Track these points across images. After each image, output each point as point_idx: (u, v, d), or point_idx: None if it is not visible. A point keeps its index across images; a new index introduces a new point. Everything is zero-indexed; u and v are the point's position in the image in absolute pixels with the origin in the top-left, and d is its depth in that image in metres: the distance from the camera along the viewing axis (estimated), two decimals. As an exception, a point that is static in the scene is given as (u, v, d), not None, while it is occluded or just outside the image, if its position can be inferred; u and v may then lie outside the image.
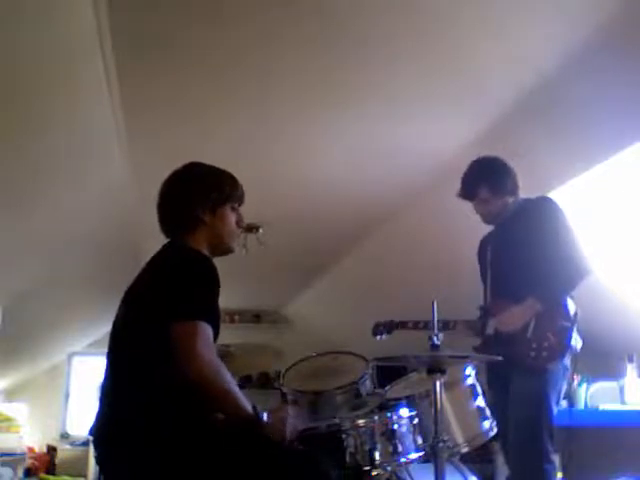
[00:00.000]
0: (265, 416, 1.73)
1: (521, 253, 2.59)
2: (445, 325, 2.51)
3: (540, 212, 2.61)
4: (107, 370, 1.80)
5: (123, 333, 1.80)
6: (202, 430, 1.68)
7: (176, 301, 1.70)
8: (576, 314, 2.49)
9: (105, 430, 1.72)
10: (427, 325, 2.53)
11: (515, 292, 2.53)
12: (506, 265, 2.67)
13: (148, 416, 1.66)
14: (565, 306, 2.48)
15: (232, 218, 1.96)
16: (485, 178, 2.68)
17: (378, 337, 2.83)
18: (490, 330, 2.58)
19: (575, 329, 2.48)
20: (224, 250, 1.97)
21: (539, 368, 2.44)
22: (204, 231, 1.90)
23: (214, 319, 1.74)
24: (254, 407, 1.73)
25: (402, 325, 2.79)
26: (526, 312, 2.49)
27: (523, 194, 2.72)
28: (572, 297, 2.54)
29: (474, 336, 2.67)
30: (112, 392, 1.76)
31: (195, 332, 1.65)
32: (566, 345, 2.44)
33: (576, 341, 2.54)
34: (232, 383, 1.69)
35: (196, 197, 1.91)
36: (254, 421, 1.70)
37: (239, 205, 2.00)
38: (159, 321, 1.67)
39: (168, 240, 1.92)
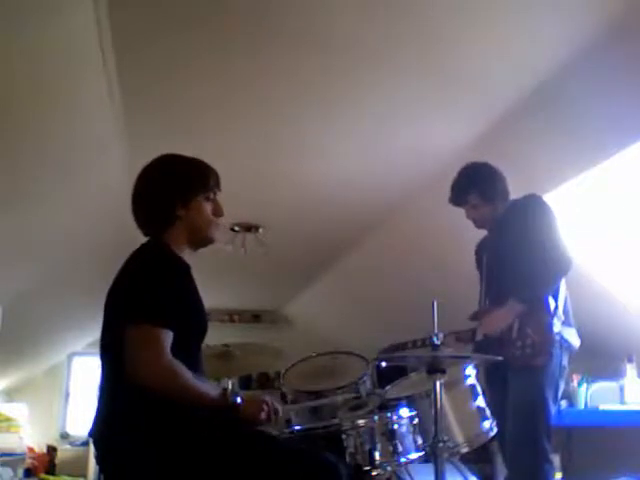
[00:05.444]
0: (239, 399, 1.72)
1: (509, 256, 2.61)
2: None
3: (523, 211, 2.63)
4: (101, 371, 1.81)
5: (104, 334, 1.80)
6: (191, 426, 1.68)
7: (127, 305, 1.69)
8: (556, 308, 2.49)
9: (101, 430, 1.73)
10: (424, 342, 2.55)
11: (506, 296, 2.54)
12: (497, 269, 2.69)
13: (139, 416, 1.66)
14: (546, 301, 2.48)
15: (207, 208, 1.90)
16: (474, 184, 2.70)
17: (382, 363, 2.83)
18: (479, 337, 2.59)
19: (556, 321, 2.47)
20: (204, 241, 1.93)
21: (527, 365, 2.45)
22: (180, 225, 1.86)
23: (177, 318, 1.69)
24: (224, 390, 1.73)
25: (402, 347, 2.79)
26: (507, 314, 2.51)
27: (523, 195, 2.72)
28: (555, 297, 2.53)
29: (465, 345, 2.67)
30: (104, 392, 1.76)
31: (140, 337, 1.63)
32: (549, 338, 2.44)
33: (573, 338, 2.55)
34: (187, 377, 1.65)
35: (165, 193, 1.86)
36: (222, 405, 1.69)
37: (214, 194, 1.93)
38: (123, 324, 1.66)
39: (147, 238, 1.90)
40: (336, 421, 2.29)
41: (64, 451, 7.26)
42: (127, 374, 1.61)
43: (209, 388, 1.73)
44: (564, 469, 3.69)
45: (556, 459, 3.19)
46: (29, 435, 6.90)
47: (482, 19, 2.32)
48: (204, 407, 1.68)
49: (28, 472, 6.63)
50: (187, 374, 1.67)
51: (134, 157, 3.40)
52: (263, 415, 1.76)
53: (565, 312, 2.55)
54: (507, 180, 2.73)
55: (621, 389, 3.64)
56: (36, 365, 7.24)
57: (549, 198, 2.80)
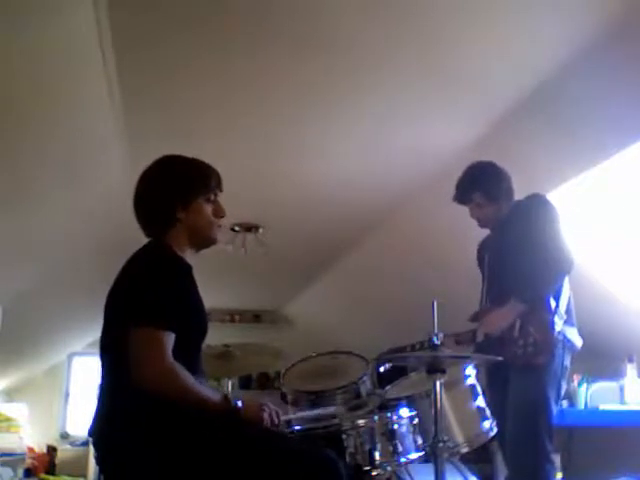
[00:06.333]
0: (240, 403, 1.73)
1: (511, 255, 2.61)
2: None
3: (526, 211, 2.63)
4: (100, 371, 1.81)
5: (104, 335, 1.80)
6: (192, 426, 1.68)
7: (129, 306, 1.69)
8: (557, 307, 2.50)
9: (101, 430, 1.73)
10: (423, 345, 2.55)
11: (507, 295, 2.54)
12: (499, 269, 2.69)
13: (139, 416, 1.66)
14: (547, 300, 2.49)
15: (208, 210, 1.89)
16: (480, 183, 2.71)
17: (382, 367, 2.83)
18: (479, 337, 2.59)
19: (557, 319, 2.47)
20: (205, 243, 1.93)
21: (529, 364, 2.45)
22: (181, 227, 1.86)
23: (178, 319, 1.69)
24: (226, 395, 1.73)
25: (401, 351, 2.79)
26: (508, 313, 2.51)
27: (523, 195, 2.72)
28: (556, 296, 2.53)
29: (465, 347, 2.67)
30: (104, 393, 1.76)
31: (142, 340, 1.63)
32: (551, 336, 2.44)
33: (575, 338, 2.54)
34: (189, 381, 1.66)
35: (165, 194, 1.86)
36: (224, 409, 1.70)
37: (216, 195, 1.93)
38: (124, 326, 1.67)
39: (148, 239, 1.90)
40: (336, 421, 2.28)
41: (64, 451, 7.27)
42: (132, 377, 1.61)
43: (210, 392, 1.73)
44: (564, 469, 3.68)
45: (556, 459, 3.19)
46: (29, 435, 6.89)
47: (482, 19, 2.32)
48: (205, 411, 1.68)
49: (28, 472, 6.63)
50: (189, 377, 1.67)
51: (134, 157, 3.41)
52: (265, 417, 1.76)
53: (568, 311, 2.55)
54: (513, 180, 2.73)
55: (621, 389, 3.65)
56: (36, 365, 7.24)
57: (549, 198, 2.80)
